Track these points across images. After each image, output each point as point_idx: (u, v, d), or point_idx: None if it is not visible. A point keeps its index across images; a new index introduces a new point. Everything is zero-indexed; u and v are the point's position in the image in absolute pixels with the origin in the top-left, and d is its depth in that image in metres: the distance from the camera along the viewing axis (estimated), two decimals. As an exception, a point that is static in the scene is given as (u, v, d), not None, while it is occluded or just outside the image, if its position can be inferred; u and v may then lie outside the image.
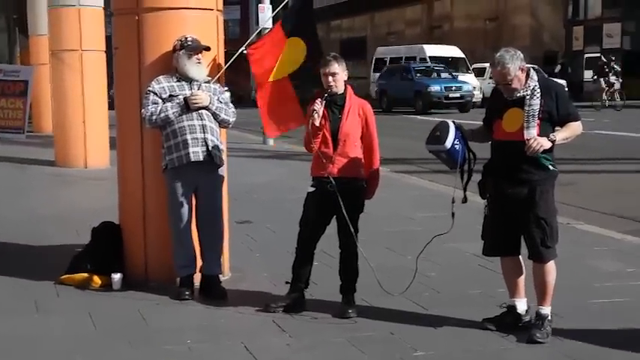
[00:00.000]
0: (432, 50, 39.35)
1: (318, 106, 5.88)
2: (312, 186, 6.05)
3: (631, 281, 6.96)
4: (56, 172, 14.84)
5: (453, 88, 33.41)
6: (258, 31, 9.91)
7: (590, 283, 6.88)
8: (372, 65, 41.90)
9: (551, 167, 5.42)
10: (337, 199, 5.83)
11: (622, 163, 15.88)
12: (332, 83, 5.94)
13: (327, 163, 5.90)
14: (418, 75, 35.10)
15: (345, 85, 6.02)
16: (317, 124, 5.89)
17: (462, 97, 33.28)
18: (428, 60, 38.16)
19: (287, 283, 6.18)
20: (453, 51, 39.50)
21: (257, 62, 6.85)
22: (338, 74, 5.94)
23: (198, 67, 6.51)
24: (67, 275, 6.91)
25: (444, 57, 38.26)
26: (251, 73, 6.91)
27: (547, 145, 5.32)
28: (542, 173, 5.43)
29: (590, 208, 10.79)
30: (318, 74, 6.07)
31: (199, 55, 6.51)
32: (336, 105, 5.97)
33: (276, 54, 6.77)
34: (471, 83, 34.93)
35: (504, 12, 45.55)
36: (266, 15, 20.90)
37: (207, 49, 6.57)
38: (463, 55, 39.05)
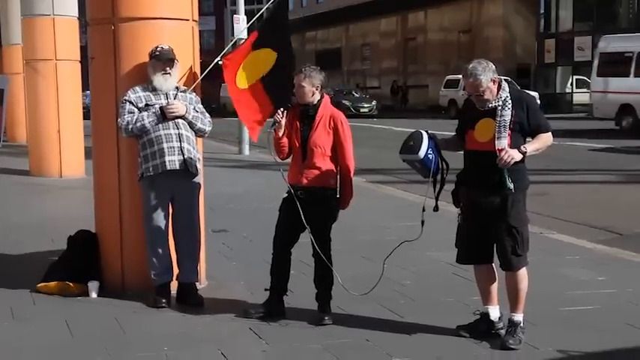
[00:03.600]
0: None
1: (279, 117, 6.03)
2: (287, 192, 6.14)
3: (601, 289, 7.07)
4: (31, 182, 14.78)
5: None
6: (233, 41, 9.98)
7: (562, 291, 6.98)
8: (596, 68, 26.69)
9: (511, 187, 5.41)
10: (304, 207, 5.93)
11: (594, 174, 16.07)
12: (297, 94, 6.08)
13: (299, 170, 6.00)
14: None
15: (322, 96, 6.10)
16: (280, 134, 6.05)
17: None
18: None
19: (266, 290, 6.23)
20: None
21: (228, 71, 6.87)
22: (304, 87, 6.02)
23: (163, 78, 6.50)
24: (44, 283, 6.91)
25: None
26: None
27: (518, 157, 5.39)
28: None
29: (562, 218, 10.93)
30: (287, 78, 6.25)
31: (167, 66, 6.52)
32: (307, 116, 6.07)
33: (240, 61, 6.79)
34: None
35: (478, 25, 45.87)
36: (241, 26, 20.91)
37: (172, 60, 6.52)
38: None
